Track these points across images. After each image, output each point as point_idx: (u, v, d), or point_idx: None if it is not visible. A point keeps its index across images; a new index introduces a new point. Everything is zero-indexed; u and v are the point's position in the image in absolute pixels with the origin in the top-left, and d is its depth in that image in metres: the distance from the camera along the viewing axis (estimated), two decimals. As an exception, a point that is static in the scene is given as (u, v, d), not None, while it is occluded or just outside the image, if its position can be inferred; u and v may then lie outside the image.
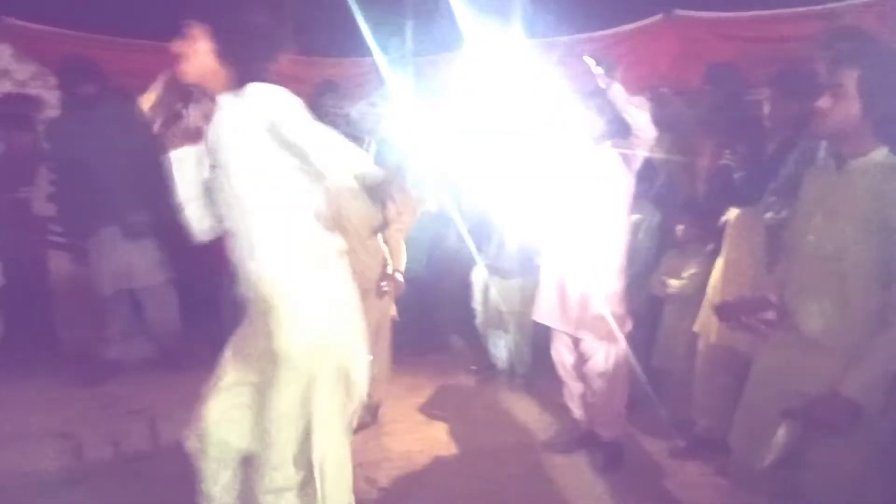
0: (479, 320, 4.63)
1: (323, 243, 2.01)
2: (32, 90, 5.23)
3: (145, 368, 4.54)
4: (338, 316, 2.02)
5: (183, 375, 3.43)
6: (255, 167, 1.89)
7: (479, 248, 4.47)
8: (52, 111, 5.12)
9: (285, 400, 1.95)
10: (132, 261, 4.37)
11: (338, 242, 2.07)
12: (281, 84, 5.97)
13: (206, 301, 4.41)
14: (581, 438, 3.49)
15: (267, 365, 1.97)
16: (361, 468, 3.27)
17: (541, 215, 3.47)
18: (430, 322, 5.16)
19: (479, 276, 4.55)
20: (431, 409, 4.07)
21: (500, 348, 4.53)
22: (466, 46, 4.40)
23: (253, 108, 1.84)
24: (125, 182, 4.16)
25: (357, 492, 3.04)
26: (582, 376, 3.41)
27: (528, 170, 3.49)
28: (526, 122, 3.45)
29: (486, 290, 4.49)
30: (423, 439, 3.67)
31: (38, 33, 5.31)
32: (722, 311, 2.24)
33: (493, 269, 4.41)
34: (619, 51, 4.87)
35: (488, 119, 3.75)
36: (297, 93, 6.25)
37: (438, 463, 3.40)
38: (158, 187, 4.15)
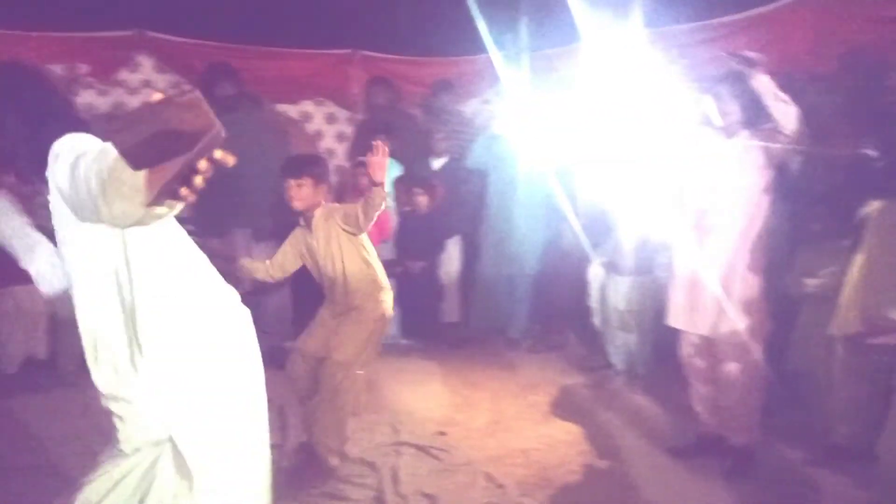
0: (596, 319, 4.55)
1: None
2: (137, 97, 5.60)
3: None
4: None
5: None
6: None
7: (596, 245, 4.40)
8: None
9: None
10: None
11: None
12: (396, 85, 6.15)
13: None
14: (709, 443, 3.35)
15: None
16: (479, 464, 3.32)
17: (668, 212, 3.35)
18: (545, 320, 5.13)
19: (596, 274, 4.47)
20: (548, 408, 4.04)
21: (619, 347, 4.43)
22: (583, 40, 4.33)
23: None
24: (257, 185, 4.38)
25: (475, 487, 3.11)
26: (712, 379, 3.27)
27: (652, 164, 3.39)
28: (649, 114, 3.35)
29: (603, 288, 4.41)
30: (540, 437, 3.65)
31: (177, 45, 5.68)
32: None
33: (611, 267, 4.32)
34: (747, 37, 4.63)
35: (608, 113, 3.67)
36: (413, 94, 6.42)
37: (557, 462, 3.37)
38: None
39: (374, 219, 3.10)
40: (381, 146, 2.98)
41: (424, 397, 4.20)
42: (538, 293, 5.10)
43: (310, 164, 3.23)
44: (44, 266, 2.00)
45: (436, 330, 5.11)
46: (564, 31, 5.21)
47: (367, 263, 3.29)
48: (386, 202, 4.91)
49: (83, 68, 5.44)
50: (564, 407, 4.04)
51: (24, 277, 2.09)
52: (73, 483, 2.88)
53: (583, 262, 4.52)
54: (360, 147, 5.52)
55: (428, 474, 3.25)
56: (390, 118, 5.55)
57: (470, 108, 5.92)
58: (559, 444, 3.57)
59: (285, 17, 5.84)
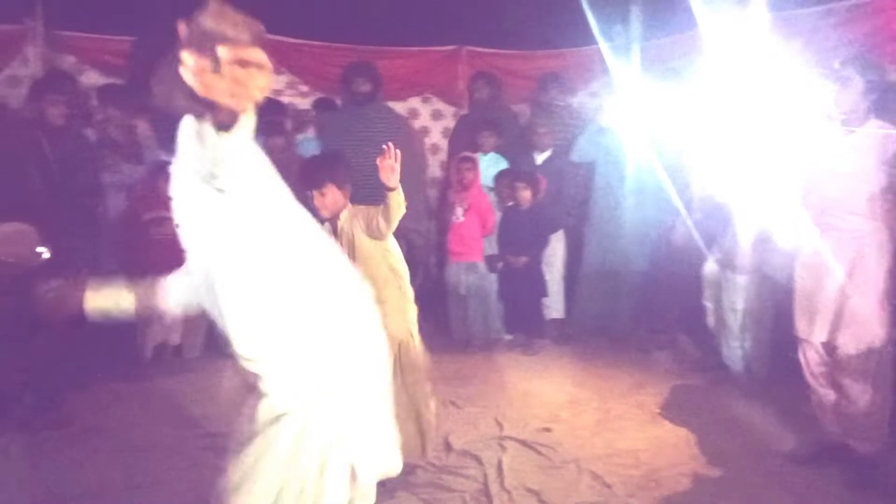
0: (709, 318, 4.38)
1: None
2: (286, 98, 5.84)
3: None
4: None
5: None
6: None
7: (711, 242, 4.23)
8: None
9: None
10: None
11: None
12: (498, 80, 6.15)
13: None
14: (831, 451, 3.16)
15: None
16: (585, 462, 3.28)
17: (789, 207, 3.17)
18: (655, 319, 5.00)
19: (710, 271, 4.30)
20: (657, 408, 3.93)
21: (734, 348, 4.24)
22: (699, 27, 4.17)
23: None
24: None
25: (581, 485, 3.08)
26: (836, 384, 3.08)
27: (773, 156, 3.21)
28: (770, 104, 3.18)
29: (718, 286, 4.23)
30: (648, 438, 3.55)
31: (290, 46, 5.91)
32: None
33: (727, 264, 4.14)
34: (878, 20, 4.32)
35: (726, 103, 3.51)
36: (520, 87, 6.39)
37: (665, 463, 3.27)
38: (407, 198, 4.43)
39: (395, 223, 2.93)
40: (391, 149, 2.84)
41: (528, 393, 4.18)
42: (647, 291, 4.97)
43: (329, 170, 3.03)
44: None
45: (539, 326, 5.07)
46: (676, 19, 5.06)
47: (393, 270, 3.06)
48: (461, 207, 4.99)
49: None
50: (674, 408, 3.92)
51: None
52: (192, 462, 3.08)
53: (696, 259, 4.35)
54: (461, 142, 5.58)
55: (532, 470, 3.24)
56: (491, 113, 5.56)
57: (577, 100, 5.83)
58: (668, 445, 3.47)
59: (393, 16, 5.95)
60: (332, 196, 2.96)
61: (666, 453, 3.38)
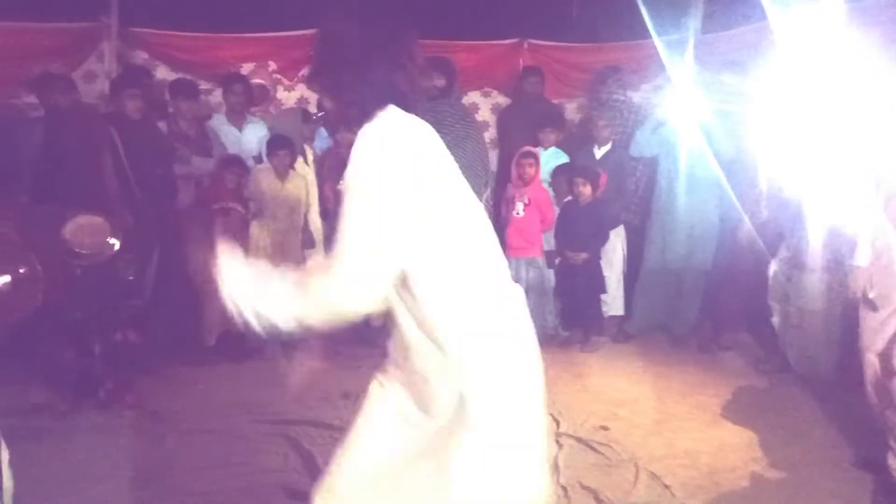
0: (775, 318, 4.26)
1: None
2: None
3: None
4: None
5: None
6: None
7: (778, 239, 4.11)
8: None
9: None
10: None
11: None
12: (561, 73, 6.07)
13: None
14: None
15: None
16: (643, 462, 3.23)
17: (862, 204, 3.05)
18: (719, 318, 4.88)
19: (777, 270, 4.18)
20: (719, 410, 3.84)
21: (801, 350, 4.11)
22: (765, 19, 4.05)
23: None
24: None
25: (638, 485, 3.04)
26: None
27: (844, 150, 3.10)
28: (843, 96, 3.07)
29: (784, 286, 4.11)
30: (709, 439, 3.48)
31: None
32: None
33: (795, 262, 4.01)
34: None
35: (794, 95, 3.40)
36: (579, 80, 6.31)
37: (726, 466, 3.20)
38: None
39: None
40: None
41: (585, 390, 4.15)
42: (710, 289, 4.86)
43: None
44: None
45: (598, 323, 5.02)
46: (740, 12, 4.93)
47: None
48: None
49: (273, 66, 5.88)
50: (736, 410, 3.82)
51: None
52: (255, 446, 3.14)
53: (762, 257, 4.23)
54: (511, 135, 5.56)
55: (589, 468, 3.21)
56: (536, 106, 5.53)
57: (638, 94, 5.73)
58: (729, 447, 3.39)
59: (454, 10, 5.95)
60: None
61: (727, 456, 3.30)
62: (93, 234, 3.31)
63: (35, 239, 2.71)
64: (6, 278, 2.27)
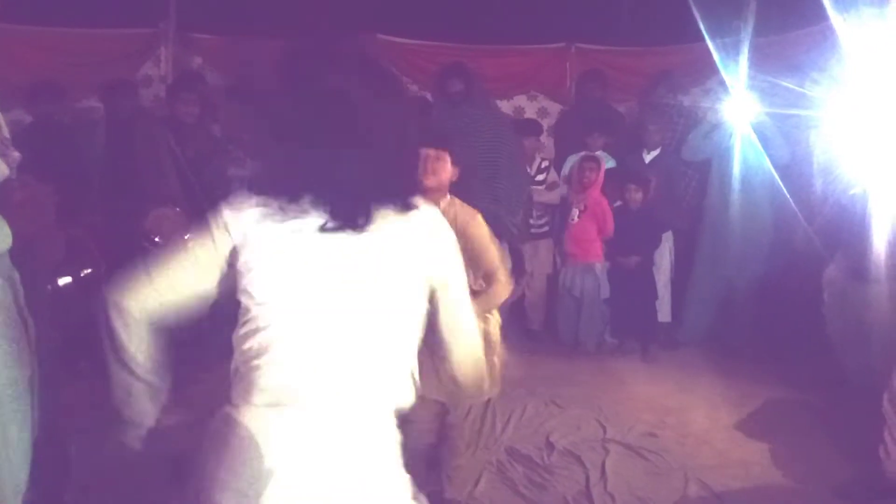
0: (830, 329, 4.13)
1: None
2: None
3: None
4: None
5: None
6: None
7: (835, 246, 4.00)
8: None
9: None
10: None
11: None
12: (611, 77, 6.03)
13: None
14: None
15: None
16: (693, 471, 3.18)
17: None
18: (770, 328, 4.76)
19: (833, 278, 4.06)
20: (771, 421, 3.75)
21: (857, 362, 3.98)
22: (825, 20, 3.95)
23: None
24: (474, 179, 4.52)
25: (688, 494, 2.99)
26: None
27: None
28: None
29: (842, 295, 3.99)
30: (760, 451, 3.40)
31: (404, 46, 6.04)
32: None
33: (853, 271, 3.89)
34: None
35: (856, 98, 3.32)
36: (630, 85, 6.21)
37: (777, 480, 3.14)
38: (506, 191, 4.46)
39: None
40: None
41: (633, 397, 4.10)
42: (763, 298, 4.75)
43: (450, 139, 2.77)
44: None
45: (650, 330, 4.94)
46: (796, 14, 4.82)
47: None
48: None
49: None
50: (789, 423, 3.73)
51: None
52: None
53: (818, 264, 4.12)
54: (567, 139, 5.52)
55: (637, 475, 3.18)
56: (597, 111, 5.48)
57: (689, 98, 5.65)
58: (781, 461, 3.30)
59: (503, 14, 5.97)
60: (444, 164, 2.65)
61: (778, 469, 3.23)
62: (170, 223, 3.48)
63: (110, 235, 2.81)
64: (67, 279, 2.34)
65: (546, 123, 6.31)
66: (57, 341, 1.95)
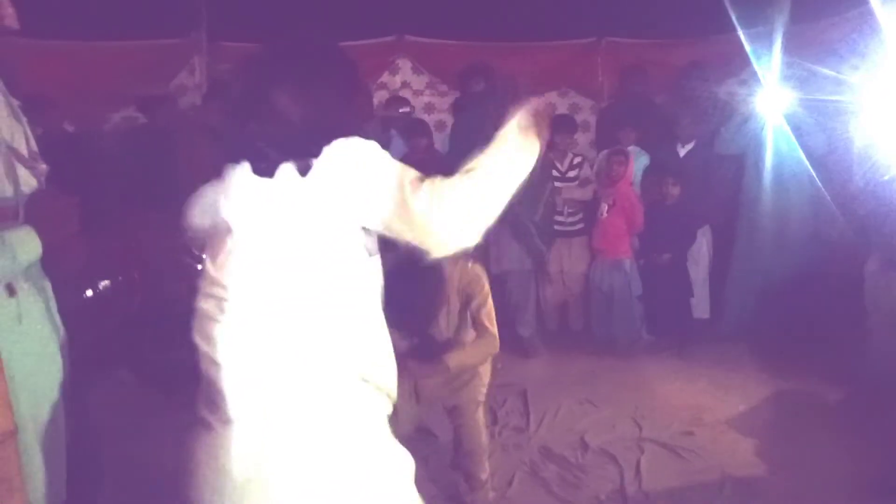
0: (871, 322, 4.01)
1: None
2: (426, 98, 5.99)
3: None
4: None
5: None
6: None
7: (876, 237, 3.88)
8: (441, 115, 5.83)
9: None
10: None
11: None
12: (643, 66, 5.95)
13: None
14: None
15: None
16: (730, 469, 3.12)
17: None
18: (809, 321, 4.63)
19: (874, 271, 3.94)
20: (812, 417, 3.67)
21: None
22: (863, 6, 3.85)
23: None
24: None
25: (724, 492, 2.94)
26: None
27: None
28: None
29: (884, 289, 3.86)
30: (802, 448, 3.30)
31: (432, 46, 6.05)
32: None
33: (894, 263, 3.77)
34: None
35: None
36: (663, 78, 6.12)
37: (820, 477, 3.04)
38: (525, 188, 4.43)
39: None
40: None
41: (669, 395, 4.03)
42: (802, 291, 4.63)
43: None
44: None
45: (686, 326, 4.86)
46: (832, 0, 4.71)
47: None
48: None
49: None
50: (831, 418, 3.65)
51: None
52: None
53: (858, 256, 4.00)
54: (606, 137, 5.46)
55: (672, 474, 3.14)
56: (636, 105, 5.41)
57: (723, 89, 5.55)
58: (823, 458, 3.21)
59: (531, 11, 5.93)
60: None
61: (818, 467, 3.14)
62: None
63: (146, 246, 2.87)
64: (106, 282, 2.40)
65: (578, 119, 6.26)
66: (90, 348, 2.00)
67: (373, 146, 1.47)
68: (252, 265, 1.40)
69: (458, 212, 1.43)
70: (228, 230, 1.42)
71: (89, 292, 2.23)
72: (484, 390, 2.89)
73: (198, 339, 1.42)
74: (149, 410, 3.71)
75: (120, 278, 2.51)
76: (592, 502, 2.94)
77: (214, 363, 1.39)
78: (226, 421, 1.38)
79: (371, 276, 1.49)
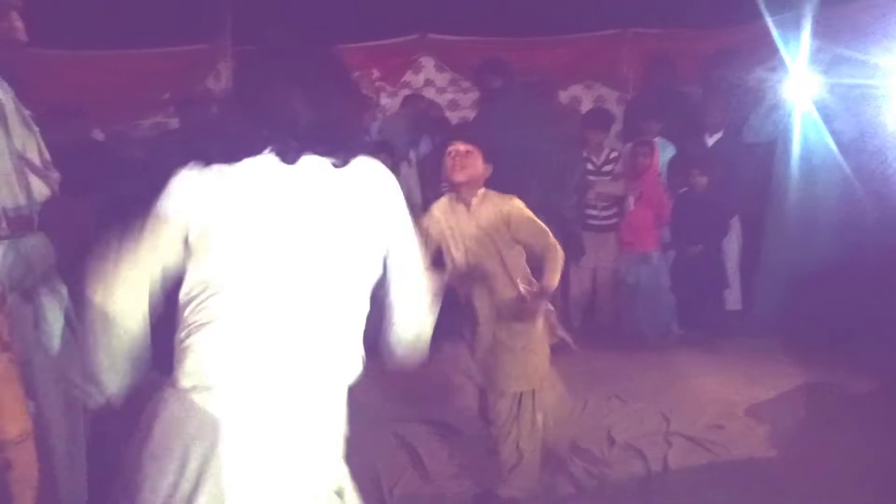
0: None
1: None
2: (450, 95, 6.00)
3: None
4: None
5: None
6: None
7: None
8: (465, 112, 5.82)
9: None
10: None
11: None
12: (670, 57, 5.85)
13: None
14: None
15: None
16: (760, 465, 3.07)
17: None
18: (842, 312, 4.50)
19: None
20: (846, 411, 3.56)
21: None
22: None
23: None
24: (522, 170, 4.48)
25: (754, 488, 2.89)
26: None
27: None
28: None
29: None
30: (834, 443, 3.20)
31: (455, 44, 6.06)
32: None
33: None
34: None
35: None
36: (689, 68, 6.01)
37: (851, 473, 2.94)
38: (552, 178, 4.41)
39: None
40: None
41: (699, 389, 3.97)
42: (836, 281, 4.51)
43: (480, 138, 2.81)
44: None
45: (719, 320, 4.78)
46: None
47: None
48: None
49: (375, 74, 6.05)
50: (865, 413, 3.53)
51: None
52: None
53: (891, 246, 3.90)
54: (633, 128, 5.40)
55: (701, 469, 3.09)
56: (660, 97, 5.34)
57: (751, 77, 5.44)
58: (854, 454, 3.11)
59: (554, 5, 5.90)
60: (474, 159, 2.69)
61: (852, 463, 3.05)
62: None
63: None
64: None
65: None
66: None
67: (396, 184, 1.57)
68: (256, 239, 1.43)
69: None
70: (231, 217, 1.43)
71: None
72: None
73: (194, 313, 1.42)
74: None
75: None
76: (618, 497, 2.92)
77: (210, 329, 1.41)
78: (206, 388, 1.40)
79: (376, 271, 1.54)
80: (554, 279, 2.62)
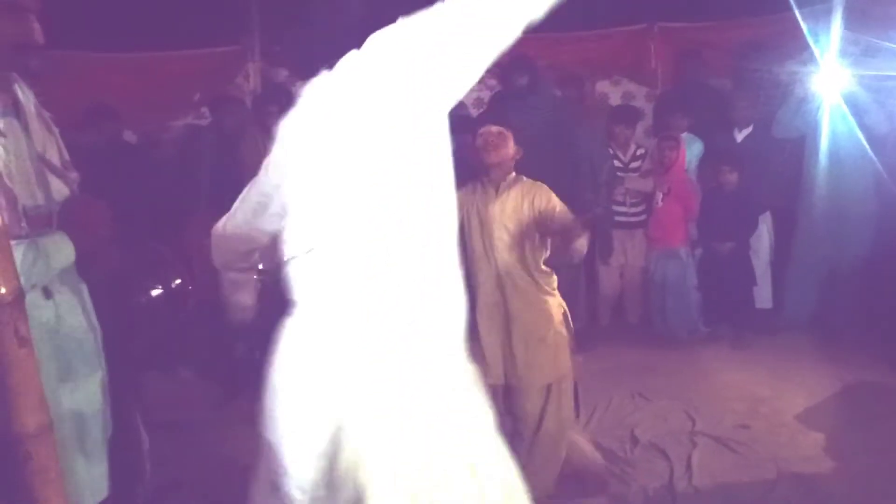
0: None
1: None
2: (475, 93, 5.97)
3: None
4: None
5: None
6: None
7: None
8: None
9: None
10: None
11: None
12: (699, 51, 5.75)
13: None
14: None
15: None
16: (787, 463, 3.01)
17: None
18: (873, 309, 4.40)
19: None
20: (877, 410, 3.49)
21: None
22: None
23: None
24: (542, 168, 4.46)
25: (780, 486, 2.84)
26: None
27: None
28: None
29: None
30: (865, 441, 3.16)
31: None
32: None
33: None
34: None
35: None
36: (718, 61, 5.90)
37: (882, 472, 2.90)
38: (573, 173, 4.38)
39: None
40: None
41: (725, 387, 3.92)
42: (867, 278, 4.41)
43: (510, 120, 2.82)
44: None
45: (748, 317, 4.70)
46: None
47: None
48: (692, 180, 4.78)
49: None
50: (873, 412, 3.46)
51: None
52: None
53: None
54: (661, 123, 5.33)
55: (725, 468, 3.06)
56: (689, 92, 5.27)
57: (782, 70, 5.33)
58: (886, 452, 3.05)
59: (580, 0, 5.84)
60: (506, 141, 2.71)
61: (883, 461, 2.99)
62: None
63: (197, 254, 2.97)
64: (158, 290, 2.49)
65: (631, 107, 6.14)
66: (135, 347, 2.09)
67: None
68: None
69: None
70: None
71: (154, 292, 2.32)
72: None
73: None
74: (208, 406, 3.86)
75: (179, 280, 2.60)
76: (640, 497, 2.89)
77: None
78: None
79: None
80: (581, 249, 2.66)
